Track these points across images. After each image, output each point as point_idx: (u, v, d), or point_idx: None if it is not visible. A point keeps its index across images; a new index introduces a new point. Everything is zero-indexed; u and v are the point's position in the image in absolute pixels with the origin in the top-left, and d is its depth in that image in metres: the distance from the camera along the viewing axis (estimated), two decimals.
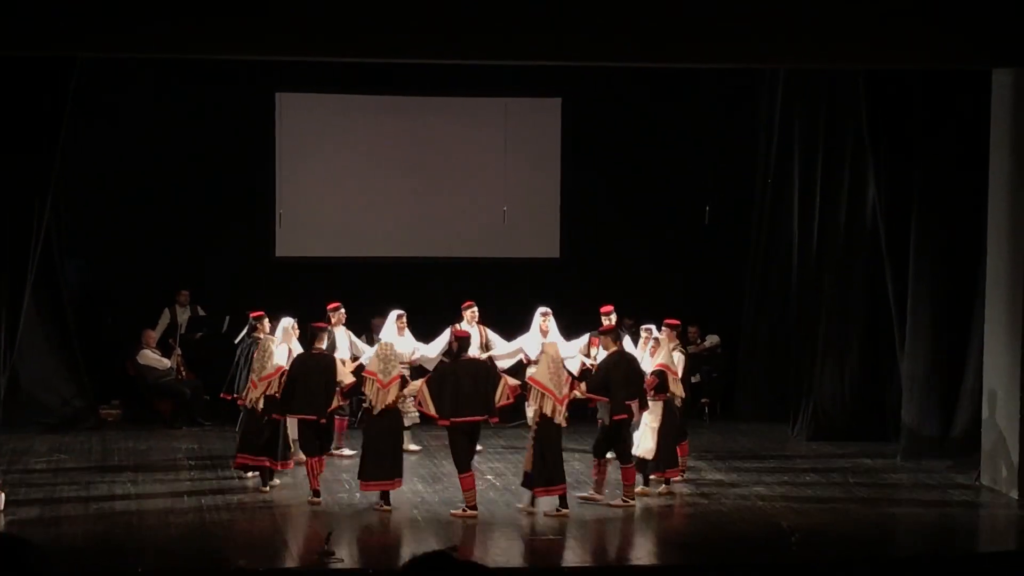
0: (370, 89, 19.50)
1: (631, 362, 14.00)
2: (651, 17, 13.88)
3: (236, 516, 13.39)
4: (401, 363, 14.88)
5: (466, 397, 13.36)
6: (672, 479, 14.39)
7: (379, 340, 14.75)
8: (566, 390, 13.41)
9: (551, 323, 16.37)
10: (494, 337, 16.52)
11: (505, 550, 12.39)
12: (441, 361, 14.79)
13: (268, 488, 14.26)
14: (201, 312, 19.27)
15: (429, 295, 18.50)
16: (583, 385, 13.91)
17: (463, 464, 13.45)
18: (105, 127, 18.77)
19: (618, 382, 13.68)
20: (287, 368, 14.18)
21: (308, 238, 19.72)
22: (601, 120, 20.18)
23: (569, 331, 16.51)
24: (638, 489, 14.03)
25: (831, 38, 14.18)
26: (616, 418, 13.72)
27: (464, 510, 13.35)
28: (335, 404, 14.06)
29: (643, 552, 12.97)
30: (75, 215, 18.57)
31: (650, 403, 14.08)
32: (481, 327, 16.42)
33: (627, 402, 13.70)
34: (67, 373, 17.99)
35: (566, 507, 13.35)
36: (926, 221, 15.98)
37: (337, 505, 13.82)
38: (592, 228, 20.22)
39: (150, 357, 18.55)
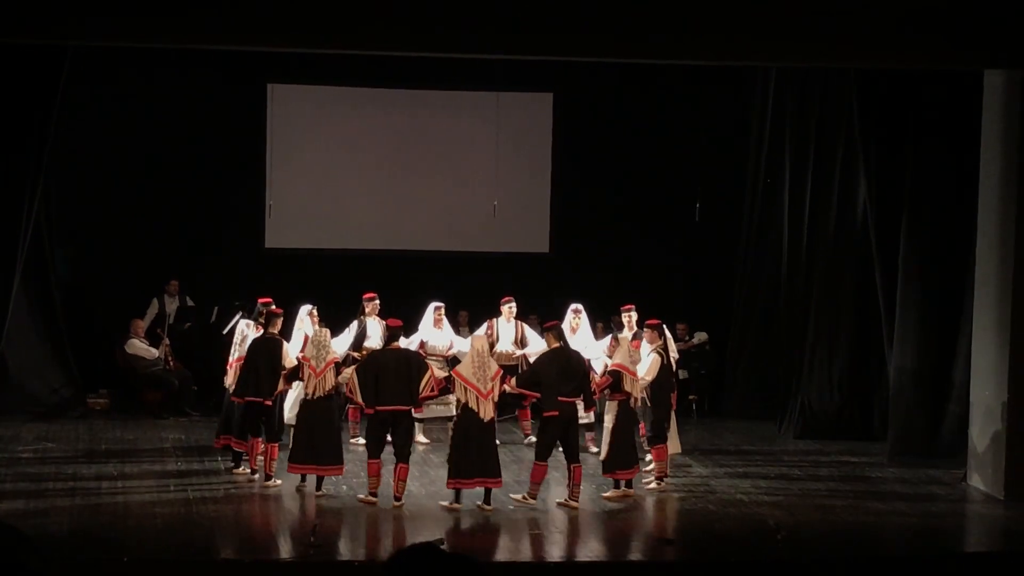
0: (362, 81, 19.49)
1: (571, 360, 13.86)
2: (644, 13, 13.88)
3: (222, 506, 13.37)
4: (435, 356, 15.58)
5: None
6: (623, 480, 13.96)
7: (317, 330, 14.68)
8: (491, 385, 13.38)
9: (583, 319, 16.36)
10: (531, 334, 16.53)
11: (492, 543, 12.40)
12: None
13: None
14: (190, 302, 19.24)
15: (418, 288, 18.46)
16: (513, 380, 13.96)
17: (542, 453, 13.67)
18: (96, 117, 18.74)
19: (550, 379, 13.62)
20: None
21: (298, 229, 19.71)
22: (593, 115, 20.19)
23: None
24: (607, 493, 13.96)
25: (823, 38, 14.19)
26: (546, 414, 13.68)
27: (524, 497, 13.53)
28: (279, 388, 14.24)
29: (629, 548, 12.97)
30: (65, 204, 18.55)
31: (607, 403, 14.04)
32: (519, 323, 16.51)
33: (563, 399, 13.57)
34: (55, 362, 17.96)
35: (489, 503, 13.31)
36: (916, 222, 16.00)
37: (325, 498, 13.80)
38: (582, 223, 20.23)
39: (138, 347, 18.52)
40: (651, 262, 20.03)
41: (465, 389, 13.34)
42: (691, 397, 19.16)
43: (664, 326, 14.83)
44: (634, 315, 15.47)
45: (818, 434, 17.52)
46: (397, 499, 13.40)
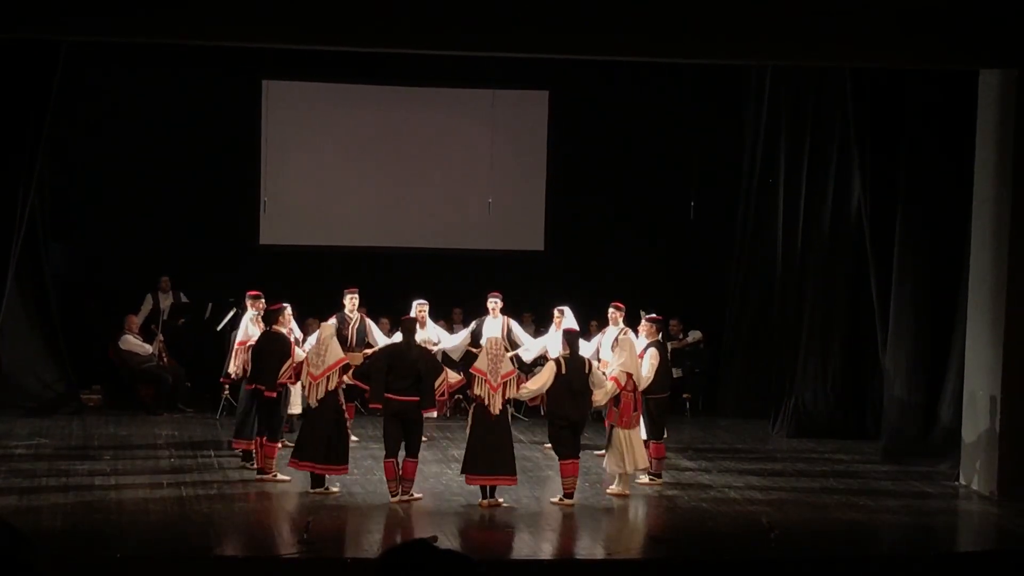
0: (357, 78, 19.49)
1: (408, 357, 13.65)
2: (639, 12, 13.89)
3: (216, 503, 13.36)
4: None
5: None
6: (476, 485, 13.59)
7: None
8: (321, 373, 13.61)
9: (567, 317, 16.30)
10: (519, 331, 16.57)
11: (483, 543, 12.40)
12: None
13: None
14: (184, 299, 19.23)
15: (412, 285, 18.46)
16: (349, 372, 14.01)
17: (564, 452, 13.71)
18: (91, 113, 18.74)
19: (379, 373, 13.60)
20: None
21: (292, 226, 19.70)
22: (588, 114, 20.19)
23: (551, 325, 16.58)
24: (482, 501, 13.54)
25: (819, 37, 14.20)
26: (371, 405, 13.96)
27: (560, 499, 13.60)
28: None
29: (623, 546, 12.97)
30: (59, 200, 18.54)
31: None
32: (506, 318, 16.53)
33: (393, 396, 13.42)
34: (49, 357, 17.93)
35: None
36: (910, 220, 16.02)
37: (317, 494, 13.79)
38: (577, 221, 20.23)
39: (132, 343, 18.51)
40: (646, 260, 20.03)
41: (305, 375, 13.76)
42: (685, 395, 19.17)
43: (577, 336, 14.35)
44: (620, 313, 15.65)
45: (811, 433, 17.53)
46: (264, 472, 14.20)
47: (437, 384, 13.63)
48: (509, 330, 16.46)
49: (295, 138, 19.58)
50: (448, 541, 11.91)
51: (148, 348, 18.55)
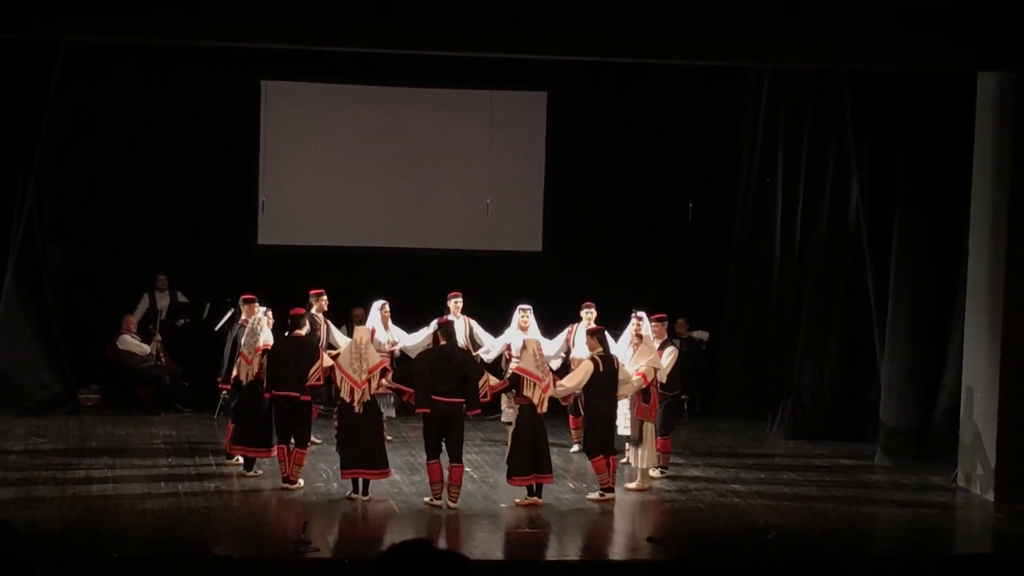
0: (356, 79, 19.47)
1: (453, 359, 13.65)
2: (638, 13, 13.89)
3: (213, 503, 13.37)
4: (380, 351, 15.08)
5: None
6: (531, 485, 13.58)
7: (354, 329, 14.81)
8: (366, 376, 13.44)
9: (531, 319, 16.40)
10: (479, 330, 16.61)
11: (482, 543, 12.40)
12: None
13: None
14: (182, 298, 19.21)
15: (410, 286, 18.47)
16: (390, 375, 13.94)
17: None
18: (89, 112, 18.72)
19: (424, 376, 13.55)
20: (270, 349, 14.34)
21: (291, 226, 19.69)
22: (586, 114, 20.17)
23: (550, 325, 16.56)
24: (517, 500, 13.60)
25: (817, 38, 14.21)
26: (417, 411, 13.75)
27: (601, 494, 13.74)
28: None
29: (620, 547, 12.98)
30: (58, 200, 18.52)
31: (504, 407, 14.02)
32: (466, 318, 16.53)
33: (439, 397, 13.36)
34: (46, 357, 17.89)
35: (366, 493, 13.53)
36: (908, 222, 16.02)
37: (314, 495, 13.81)
38: (575, 222, 20.20)
39: (130, 342, 18.50)
40: (644, 261, 20.00)
41: (343, 380, 13.56)
42: (683, 397, 19.12)
43: (605, 332, 14.36)
44: (593, 312, 15.69)
45: (809, 435, 17.53)
46: (289, 480, 13.87)
47: (480, 385, 13.66)
48: (471, 329, 16.51)
49: (294, 139, 19.56)
50: (454, 542, 11.92)
51: (146, 348, 18.54)
